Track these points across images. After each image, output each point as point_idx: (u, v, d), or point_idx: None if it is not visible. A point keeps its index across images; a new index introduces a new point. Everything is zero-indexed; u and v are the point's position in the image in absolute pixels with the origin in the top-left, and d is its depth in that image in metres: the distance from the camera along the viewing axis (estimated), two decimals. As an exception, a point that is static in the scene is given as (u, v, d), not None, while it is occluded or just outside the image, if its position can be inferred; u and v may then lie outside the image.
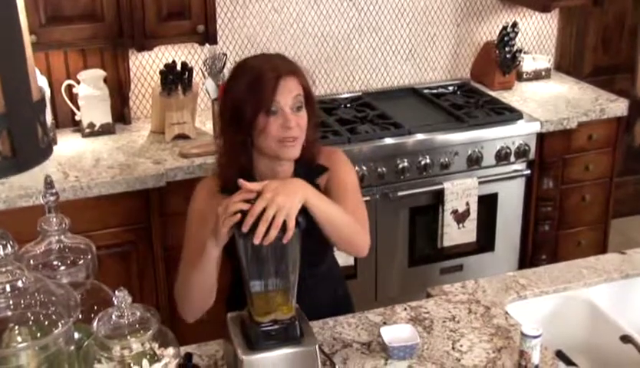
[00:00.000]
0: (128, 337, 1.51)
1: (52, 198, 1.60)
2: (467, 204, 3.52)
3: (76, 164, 3.14)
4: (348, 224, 1.93)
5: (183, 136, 3.35)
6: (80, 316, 1.63)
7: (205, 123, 3.52)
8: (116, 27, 3.14)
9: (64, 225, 1.63)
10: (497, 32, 3.95)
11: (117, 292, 1.53)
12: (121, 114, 3.52)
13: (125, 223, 3.10)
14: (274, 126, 1.95)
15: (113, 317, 1.53)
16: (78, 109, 3.39)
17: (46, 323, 1.40)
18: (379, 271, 3.53)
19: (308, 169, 2.07)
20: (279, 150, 1.98)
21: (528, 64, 4.06)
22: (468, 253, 3.65)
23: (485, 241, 3.68)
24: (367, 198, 3.32)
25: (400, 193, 3.40)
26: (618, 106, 3.75)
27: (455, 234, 3.54)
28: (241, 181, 1.77)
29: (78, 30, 3.11)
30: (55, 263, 1.62)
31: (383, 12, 3.85)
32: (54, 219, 1.62)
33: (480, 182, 3.51)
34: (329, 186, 2.07)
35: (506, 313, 2.16)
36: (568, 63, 4.30)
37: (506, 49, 3.86)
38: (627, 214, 4.72)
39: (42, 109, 1.08)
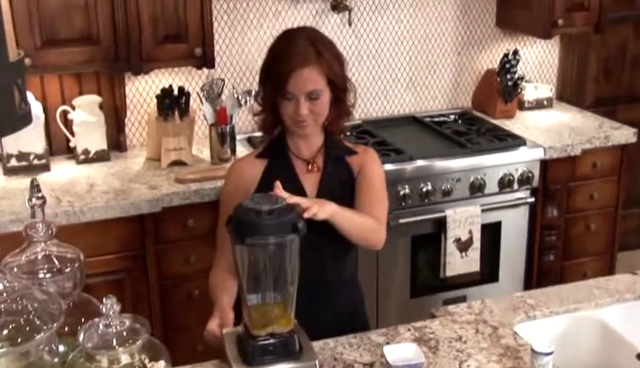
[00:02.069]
0: (116, 348, 1.42)
1: (38, 202, 1.52)
2: (470, 232, 3.43)
3: (69, 189, 3.06)
4: (367, 226, 2.12)
5: (179, 163, 3.28)
6: (66, 328, 1.55)
7: (202, 150, 3.45)
8: (112, 50, 3.09)
9: (50, 232, 1.54)
10: (498, 61, 3.91)
11: (104, 300, 1.44)
12: (117, 141, 3.45)
13: (119, 250, 3.02)
14: (288, 110, 2.11)
15: (101, 326, 1.45)
16: (73, 135, 3.33)
17: (27, 328, 1.31)
18: (380, 302, 3.43)
19: (338, 146, 2.24)
20: (293, 128, 2.15)
21: (530, 93, 4.01)
22: (471, 283, 3.55)
23: (489, 271, 3.59)
24: (368, 225, 3.24)
25: (401, 220, 3.32)
26: (622, 134, 3.70)
27: (458, 263, 3.45)
28: (277, 184, 1.90)
29: (74, 53, 3.06)
30: (40, 271, 1.53)
31: (382, 40, 3.81)
32: (40, 225, 1.54)
33: (482, 210, 3.43)
34: (359, 179, 2.21)
35: (515, 333, 2.06)
36: (570, 93, 4.26)
37: (508, 77, 3.81)
38: (633, 247, 4.63)
39: (20, 72, 1.00)
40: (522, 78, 3.84)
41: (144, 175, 3.20)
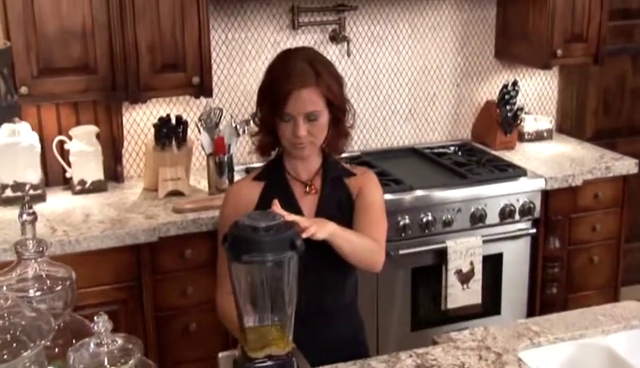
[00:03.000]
0: (107, 365, 1.37)
1: (29, 218, 1.48)
2: (471, 263, 3.38)
3: (65, 219, 3.02)
4: (366, 247, 2.07)
5: (176, 193, 3.24)
6: (56, 349, 1.50)
7: (200, 181, 3.42)
8: (109, 79, 3.07)
9: (41, 249, 1.50)
10: (497, 92, 3.89)
11: (96, 318, 1.39)
12: (114, 172, 3.42)
13: (115, 280, 2.96)
14: (286, 132, 2.08)
15: (92, 345, 1.39)
16: (69, 166, 3.29)
17: (14, 345, 1.26)
18: (380, 335, 3.36)
19: (336, 168, 2.21)
20: (291, 150, 2.12)
21: (529, 125, 3.99)
22: (473, 316, 3.48)
23: (490, 303, 3.53)
24: (368, 256, 3.20)
25: (401, 251, 3.27)
26: (624, 165, 3.67)
27: (459, 295, 3.39)
28: (275, 202, 1.89)
29: (71, 82, 3.04)
30: (30, 289, 1.48)
31: (381, 71, 3.80)
32: (31, 242, 1.49)
33: (484, 241, 3.39)
34: (358, 201, 2.18)
35: (520, 359, 2.01)
36: (569, 125, 4.24)
37: (507, 107, 3.79)
38: (636, 282, 4.56)
39: (5, 61, 0.96)
40: (521, 109, 3.82)
41: (141, 205, 3.16)
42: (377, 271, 2.19)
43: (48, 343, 1.49)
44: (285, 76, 2.04)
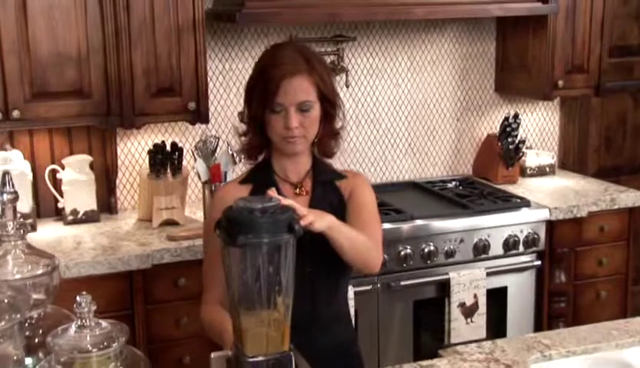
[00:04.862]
0: (91, 350, 1.26)
1: (10, 197, 1.39)
2: (475, 296, 3.27)
3: (55, 246, 2.92)
4: (364, 244, 1.97)
5: (171, 223, 3.15)
6: (36, 340, 1.40)
7: (195, 212, 3.34)
8: (104, 104, 3.01)
9: (22, 231, 1.41)
10: (498, 126, 3.84)
11: (78, 298, 1.30)
12: (107, 204, 3.33)
13: (106, 309, 2.80)
14: (278, 124, 1.97)
15: (73, 327, 1.29)
16: (62, 196, 3.21)
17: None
18: (382, 370, 3.24)
19: (327, 170, 2.13)
20: (282, 145, 2.01)
21: (531, 160, 3.93)
22: (478, 353, 3.36)
23: (495, 339, 3.39)
24: (369, 287, 3.10)
25: (402, 283, 3.17)
26: (629, 197, 3.59)
27: (463, 329, 3.27)
28: (272, 190, 1.78)
29: (64, 106, 2.98)
30: (9, 274, 1.38)
31: (380, 103, 3.75)
32: (11, 223, 1.40)
33: (487, 274, 3.29)
34: (350, 204, 2.10)
35: (531, 371, 1.90)
36: (572, 162, 4.18)
37: (509, 140, 3.74)
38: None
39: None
40: (523, 142, 3.77)
41: (134, 234, 3.08)
42: (374, 271, 2.09)
43: (27, 333, 1.40)
44: (274, 65, 1.95)
